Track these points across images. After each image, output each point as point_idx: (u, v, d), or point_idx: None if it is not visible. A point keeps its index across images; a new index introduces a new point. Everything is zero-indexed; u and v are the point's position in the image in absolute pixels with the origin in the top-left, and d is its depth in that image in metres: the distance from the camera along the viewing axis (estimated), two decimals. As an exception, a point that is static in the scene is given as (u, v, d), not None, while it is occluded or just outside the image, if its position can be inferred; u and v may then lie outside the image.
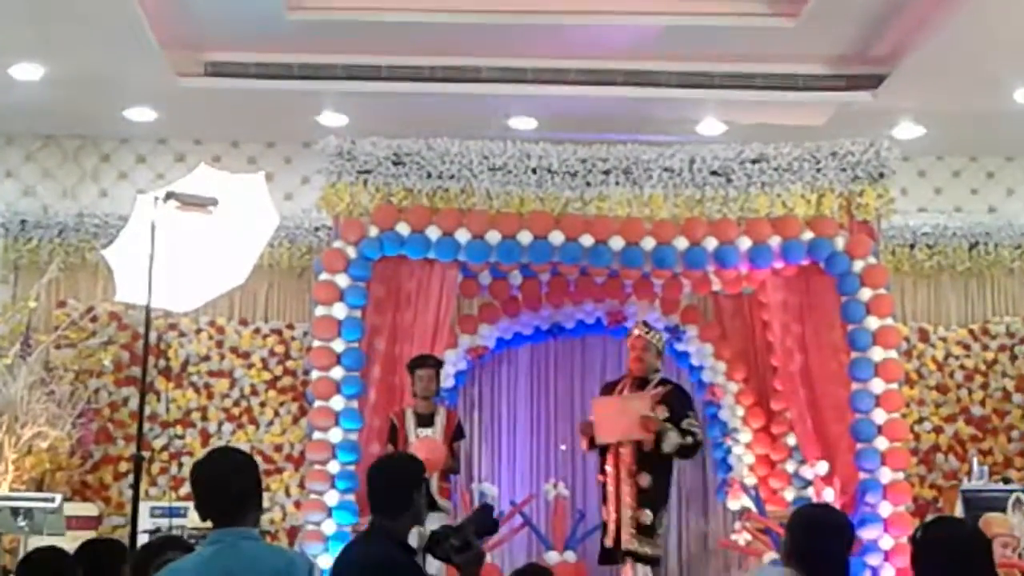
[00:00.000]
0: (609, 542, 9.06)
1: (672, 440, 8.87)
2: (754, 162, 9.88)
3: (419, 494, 5.05)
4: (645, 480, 8.97)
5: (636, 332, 9.43)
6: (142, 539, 7.47)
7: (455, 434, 9.37)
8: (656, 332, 9.55)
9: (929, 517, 10.10)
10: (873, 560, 9.27)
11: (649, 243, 9.68)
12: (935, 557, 4.28)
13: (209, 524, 4.36)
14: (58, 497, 9.14)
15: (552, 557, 10.24)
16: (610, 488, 9.08)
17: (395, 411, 9.45)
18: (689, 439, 8.93)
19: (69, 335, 11.15)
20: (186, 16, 9.67)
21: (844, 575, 4.64)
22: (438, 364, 9.45)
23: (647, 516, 8.89)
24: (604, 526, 9.19)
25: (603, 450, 9.18)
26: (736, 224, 9.76)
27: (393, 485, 5.03)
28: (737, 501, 10.55)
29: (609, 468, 9.10)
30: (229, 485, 4.32)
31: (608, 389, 9.55)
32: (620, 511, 8.99)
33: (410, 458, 5.64)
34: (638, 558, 8.90)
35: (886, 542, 9.28)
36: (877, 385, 9.43)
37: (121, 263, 8.45)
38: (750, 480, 10.56)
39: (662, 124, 10.79)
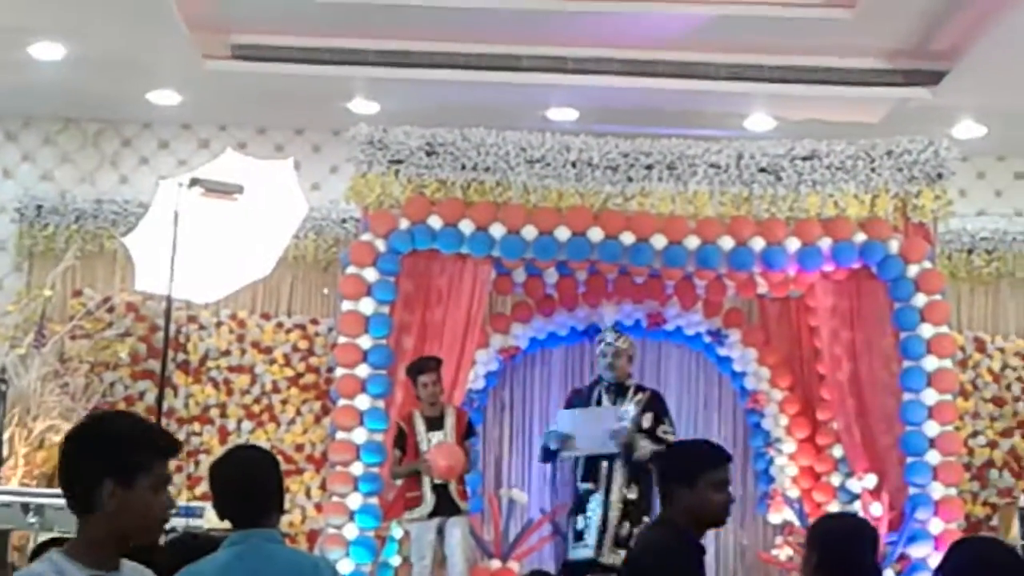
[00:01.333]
0: (588, 553, 8.76)
1: (645, 449, 8.70)
2: (805, 159, 9.56)
3: (704, 484, 4.70)
4: (633, 492, 8.81)
5: (610, 338, 9.19)
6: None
7: (467, 432, 9.07)
8: (625, 336, 9.34)
9: (982, 534, 9.80)
10: (922, 579, 8.93)
11: (693, 242, 9.40)
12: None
13: (227, 524, 4.24)
14: (70, 494, 8.83)
15: (584, 568, 9.92)
16: (598, 499, 8.81)
17: (402, 415, 9.15)
18: (662, 447, 8.57)
19: (85, 325, 10.83)
20: (214, -4, 9.41)
21: None
22: (438, 366, 9.06)
23: (625, 529, 8.73)
24: (579, 535, 8.85)
25: (577, 461, 8.94)
26: (785, 224, 9.47)
27: (677, 475, 4.73)
28: (779, 514, 10.21)
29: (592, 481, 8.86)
30: (251, 484, 4.21)
31: (576, 396, 9.27)
32: (606, 523, 8.76)
33: (699, 443, 5.32)
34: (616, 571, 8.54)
35: (936, 561, 8.85)
36: (930, 396, 9.17)
37: (142, 251, 8.29)
38: (793, 492, 10.18)
39: (709, 118, 10.50)
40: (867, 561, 4.36)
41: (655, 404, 9.04)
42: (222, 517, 4.27)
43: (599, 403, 9.04)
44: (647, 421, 8.87)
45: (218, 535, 4.46)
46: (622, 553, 8.58)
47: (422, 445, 8.85)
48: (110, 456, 3.03)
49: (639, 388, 9.16)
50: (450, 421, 8.94)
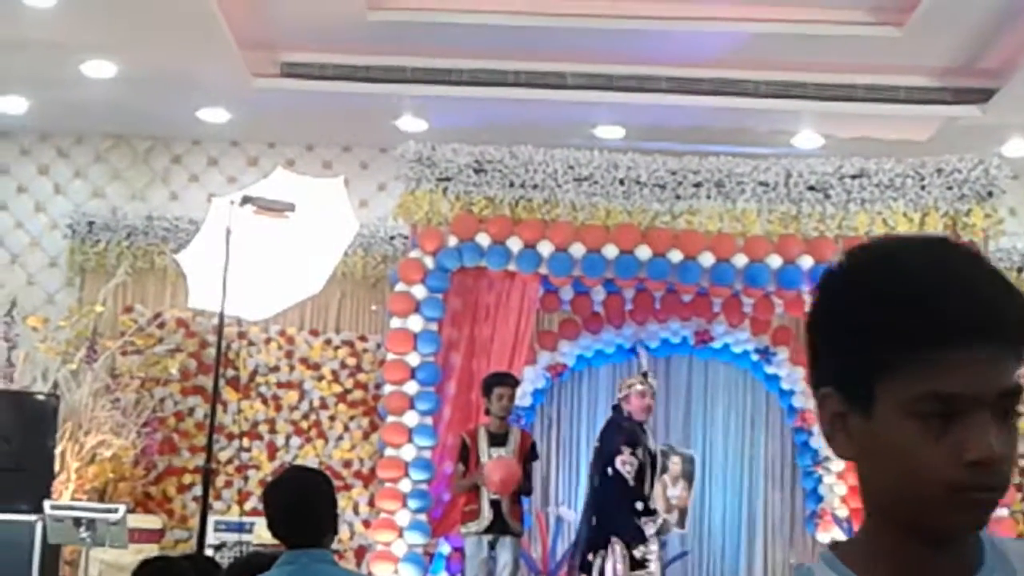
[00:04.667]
0: None
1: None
2: (854, 177, 9.53)
3: None
4: None
5: (653, 383, 9.32)
6: (207, 554, 7.27)
7: (529, 455, 9.07)
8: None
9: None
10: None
11: (741, 260, 9.39)
12: None
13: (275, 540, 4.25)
14: (121, 508, 8.89)
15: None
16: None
17: (468, 430, 9.17)
18: None
19: (135, 341, 10.84)
20: (263, 15, 9.43)
21: None
22: (517, 383, 9.14)
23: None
24: (639, 564, 9.00)
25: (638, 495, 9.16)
26: (834, 242, 9.42)
27: None
28: (828, 533, 10.13)
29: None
30: (305, 507, 4.19)
31: (629, 435, 9.30)
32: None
33: None
34: None
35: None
36: (980, 416, 9.03)
37: (195, 268, 8.30)
38: (842, 512, 10.11)
39: (757, 136, 10.44)
40: None
41: None
42: (275, 536, 4.28)
43: (648, 443, 9.11)
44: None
45: (276, 552, 4.46)
46: None
47: (483, 459, 8.86)
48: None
49: None
50: (514, 439, 8.95)
